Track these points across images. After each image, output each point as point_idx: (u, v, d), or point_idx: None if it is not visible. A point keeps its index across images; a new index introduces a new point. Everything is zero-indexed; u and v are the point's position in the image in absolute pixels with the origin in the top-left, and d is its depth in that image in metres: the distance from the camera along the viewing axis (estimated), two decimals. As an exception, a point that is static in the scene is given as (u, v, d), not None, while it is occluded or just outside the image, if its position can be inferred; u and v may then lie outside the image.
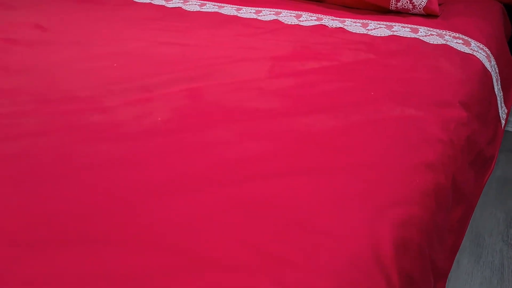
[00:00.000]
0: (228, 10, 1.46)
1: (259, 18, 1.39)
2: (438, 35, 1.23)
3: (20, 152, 0.73)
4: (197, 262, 0.54)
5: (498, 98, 1.23)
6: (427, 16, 1.36)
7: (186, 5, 1.52)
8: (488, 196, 1.58)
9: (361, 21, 1.32)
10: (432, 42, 1.19)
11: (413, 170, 0.71)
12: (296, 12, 1.41)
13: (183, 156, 0.72)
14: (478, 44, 1.23)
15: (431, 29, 1.27)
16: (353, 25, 1.30)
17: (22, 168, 0.70)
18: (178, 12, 1.47)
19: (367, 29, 1.27)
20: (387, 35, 1.23)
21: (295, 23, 1.34)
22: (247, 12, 1.44)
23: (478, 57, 1.17)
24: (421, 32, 1.25)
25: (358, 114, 0.85)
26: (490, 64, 1.20)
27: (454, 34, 1.25)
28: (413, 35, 1.22)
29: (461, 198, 0.85)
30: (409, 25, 1.28)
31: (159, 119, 0.84)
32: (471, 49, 1.18)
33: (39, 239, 0.57)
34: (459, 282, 1.27)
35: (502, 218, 1.50)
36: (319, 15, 1.37)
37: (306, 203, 0.61)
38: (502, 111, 1.27)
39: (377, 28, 1.28)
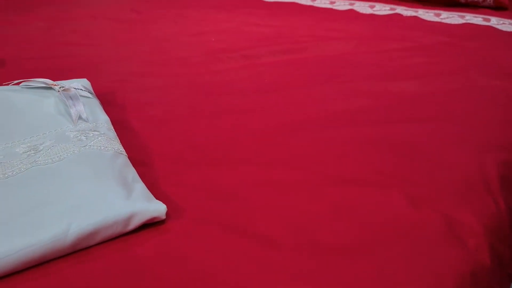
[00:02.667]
0: (303, 0, 1.57)
1: (334, 7, 1.49)
2: (510, 24, 1.30)
3: (155, 100, 0.85)
4: (332, 178, 0.62)
5: None
6: (496, 8, 1.43)
7: (263, -4, 1.63)
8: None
9: (433, 11, 1.40)
10: (504, 30, 1.26)
11: (506, 124, 0.78)
12: (370, 3, 1.50)
13: (299, 106, 0.82)
14: (549, 33, 1.29)
15: (502, 19, 1.34)
16: (426, 14, 1.38)
17: (161, 111, 0.81)
18: (256, 1, 1.58)
19: (440, 18, 1.35)
20: (461, 23, 1.31)
21: (370, 12, 1.43)
22: (321, 3, 1.54)
23: (550, 44, 1.23)
24: (493, 21, 1.32)
25: (448, 82, 0.93)
26: (560, 52, 1.26)
27: (524, 24, 1.31)
28: (485, 23, 1.30)
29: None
30: (481, 15, 1.36)
31: (266, 80, 0.94)
32: (542, 37, 1.25)
33: (191, 159, 0.67)
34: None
35: None
36: (392, 6, 1.46)
37: (422, 141, 0.70)
38: None
39: (450, 17, 1.35)
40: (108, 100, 0.84)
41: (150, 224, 0.54)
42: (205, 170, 0.65)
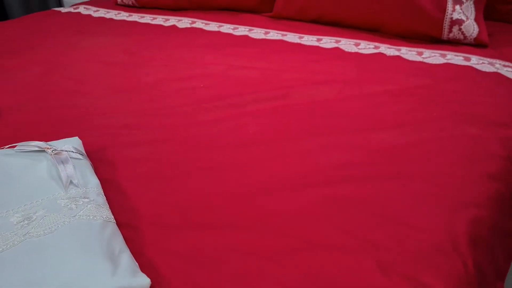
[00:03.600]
0: (291, 37, 1.62)
1: (320, 45, 1.54)
2: (489, 63, 1.35)
3: (144, 156, 0.89)
4: (305, 244, 0.66)
5: (546, 122, 1.33)
6: (477, 46, 1.48)
7: (252, 33, 1.68)
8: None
9: (416, 49, 1.45)
10: (484, 70, 1.31)
11: (478, 179, 0.82)
12: (355, 40, 1.55)
13: (281, 161, 0.86)
14: (527, 72, 1.33)
15: (482, 58, 1.38)
16: (409, 53, 1.43)
17: (149, 169, 0.85)
18: (245, 39, 1.63)
19: (422, 57, 1.40)
20: (442, 62, 1.36)
21: (355, 51, 1.47)
22: (309, 40, 1.58)
23: (528, 84, 1.28)
24: (473, 60, 1.36)
25: (424, 131, 0.97)
26: (538, 91, 1.31)
27: (504, 62, 1.36)
28: (466, 63, 1.34)
29: (517, 208, 0.95)
30: (462, 54, 1.40)
31: (251, 132, 0.98)
32: (521, 76, 1.29)
33: (176, 223, 0.71)
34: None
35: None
36: (376, 44, 1.51)
37: (393, 201, 0.74)
38: (550, 134, 1.37)
39: (432, 56, 1.40)
40: (98, 157, 0.88)
41: (135, 297, 0.57)
42: (190, 235, 0.69)
